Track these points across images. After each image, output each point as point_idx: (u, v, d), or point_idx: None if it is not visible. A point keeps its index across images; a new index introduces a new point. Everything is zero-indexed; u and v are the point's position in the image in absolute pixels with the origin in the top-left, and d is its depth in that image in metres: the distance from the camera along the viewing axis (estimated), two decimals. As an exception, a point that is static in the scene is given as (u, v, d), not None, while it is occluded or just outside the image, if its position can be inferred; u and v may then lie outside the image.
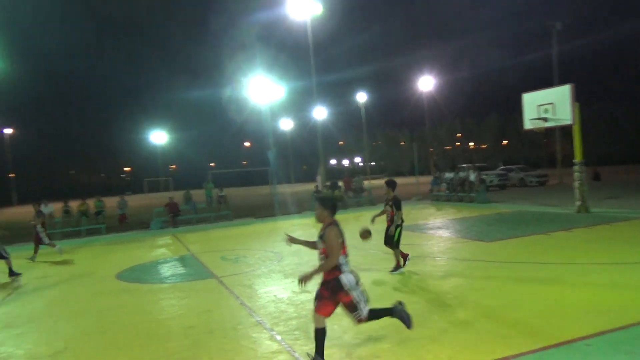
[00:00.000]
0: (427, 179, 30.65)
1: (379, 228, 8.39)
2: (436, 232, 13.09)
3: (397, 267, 8.39)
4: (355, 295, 4.32)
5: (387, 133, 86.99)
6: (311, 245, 4.73)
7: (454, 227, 13.93)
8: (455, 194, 22.20)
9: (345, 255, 4.48)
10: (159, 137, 79.73)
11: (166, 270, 10.55)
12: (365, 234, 7.27)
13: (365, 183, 27.30)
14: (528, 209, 16.87)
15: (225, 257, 11.45)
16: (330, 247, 4.37)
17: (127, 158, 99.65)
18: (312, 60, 27.68)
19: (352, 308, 4.34)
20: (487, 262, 8.73)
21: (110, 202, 22.89)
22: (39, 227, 12.98)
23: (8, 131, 60.14)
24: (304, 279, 4.32)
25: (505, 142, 72.43)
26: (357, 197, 24.21)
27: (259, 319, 6.30)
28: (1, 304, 8.23)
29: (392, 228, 8.23)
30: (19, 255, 13.81)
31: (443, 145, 77.05)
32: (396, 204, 8.23)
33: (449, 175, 24.08)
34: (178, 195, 23.49)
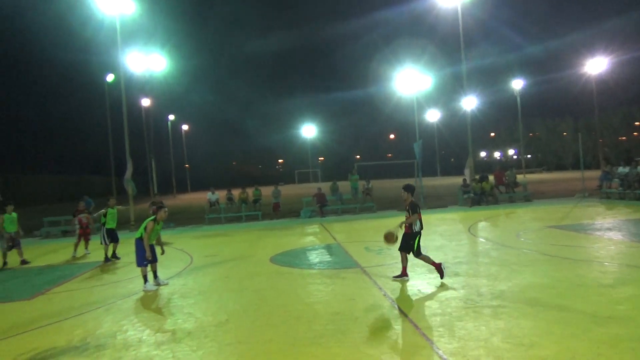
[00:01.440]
0: (594, 174, 27.19)
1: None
2: (604, 233, 11.56)
3: (403, 274, 8.02)
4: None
5: (546, 123, 79.24)
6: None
7: (628, 229, 12.14)
8: (632, 191, 19.32)
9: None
10: (309, 130, 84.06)
11: (314, 256, 11.11)
12: (390, 237, 6.71)
13: (520, 177, 25.24)
14: None
15: (369, 248, 11.63)
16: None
17: (281, 151, 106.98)
18: (462, 47, 26.43)
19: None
20: (671, 272, 7.44)
21: (266, 191, 24.85)
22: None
23: (184, 127, 69.10)
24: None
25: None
26: (510, 193, 22.55)
27: (402, 311, 6.28)
28: (178, 276, 9.53)
29: (412, 236, 7.83)
30: (186, 235, 15.81)
31: (617, 135, 67.50)
32: (412, 208, 7.82)
33: (622, 169, 21.02)
34: (325, 186, 24.47)
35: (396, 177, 63.51)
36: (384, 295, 7.16)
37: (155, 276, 8.75)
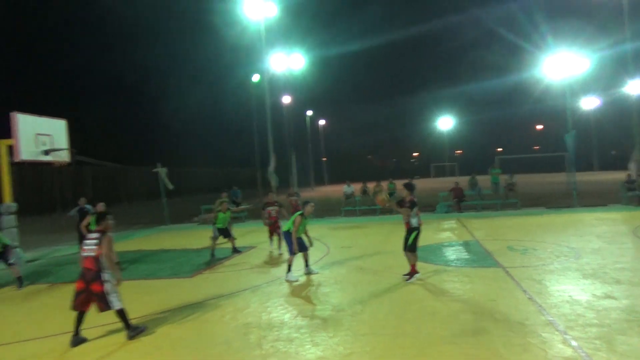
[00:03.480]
0: None
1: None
2: None
3: (412, 274, 8.05)
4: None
5: None
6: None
7: None
8: None
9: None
10: (445, 122, 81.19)
11: (451, 253, 10.74)
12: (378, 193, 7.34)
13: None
14: None
15: (512, 247, 10.87)
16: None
17: (416, 144, 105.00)
18: (626, 21, 23.07)
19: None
20: None
21: (400, 185, 24.63)
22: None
23: (322, 122, 71.76)
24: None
25: None
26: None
27: (550, 318, 5.77)
28: (315, 265, 9.96)
29: (410, 231, 8.06)
30: (323, 226, 16.36)
31: None
32: (412, 205, 8.02)
33: None
34: (463, 181, 23.45)
35: (543, 171, 58.14)
36: (529, 298, 6.64)
37: (307, 265, 9.24)
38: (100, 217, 6.21)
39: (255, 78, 38.37)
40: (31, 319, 7.14)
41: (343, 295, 7.48)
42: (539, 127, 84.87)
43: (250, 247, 12.79)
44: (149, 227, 19.80)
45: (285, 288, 8.13)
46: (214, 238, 11.69)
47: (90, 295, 5.73)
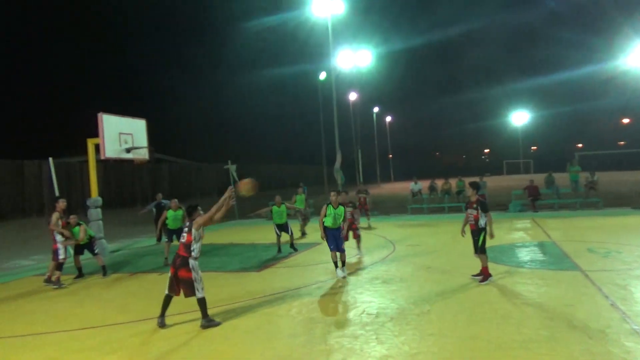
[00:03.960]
0: None
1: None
2: None
3: (486, 276, 7.69)
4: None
5: None
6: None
7: None
8: None
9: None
10: (520, 117, 77.41)
11: (524, 254, 10.24)
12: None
13: None
14: None
15: (593, 249, 10.17)
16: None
17: (487, 140, 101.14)
18: None
19: None
20: None
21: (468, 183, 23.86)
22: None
23: (388, 119, 70.96)
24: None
25: None
26: None
27: (635, 327, 5.34)
28: (381, 263, 9.90)
29: (477, 232, 7.71)
30: (389, 224, 16.17)
31: None
32: (482, 206, 7.73)
33: None
34: (539, 178, 22.26)
35: (630, 168, 53.77)
36: (611, 305, 6.19)
37: (343, 265, 8.79)
38: (191, 209, 6.49)
39: (322, 76, 38.72)
40: (114, 305, 7.68)
41: (409, 293, 7.37)
42: (626, 120, 78.46)
43: (316, 244, 12.93)
44: (219, 222, 20.59)
45: (350, 285, 8.15)
46: (280, 235, 12.01)
47: (177, 281, 6.15)
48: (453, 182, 22.47)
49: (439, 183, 22.97)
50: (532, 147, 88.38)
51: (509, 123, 79.67)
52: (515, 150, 79.76)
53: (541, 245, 11.11)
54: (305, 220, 15.34)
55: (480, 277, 7.85)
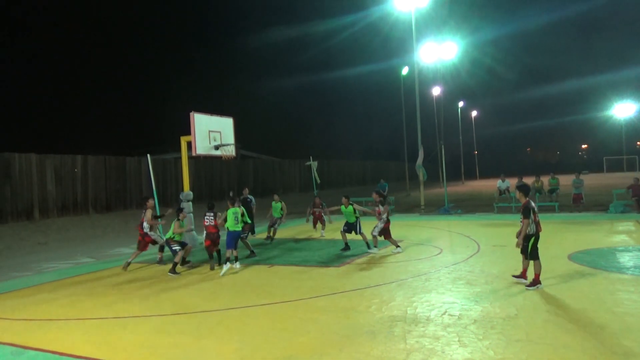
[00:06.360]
0: None
1: None
2: None
3: (535, 282, 7.30)
4: None
5: None
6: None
7: None
8: None
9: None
10: (623, 109, 70.68)
11: (627, 259, 9.37)
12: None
13: None
14: None
15: None
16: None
17: (585, 135, 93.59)
18: None
19: None
20: None
21: (564, 180, 22.25)
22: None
23: (474, 113, 68.10)
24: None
25: None
26: None
27: None
28: (465, 263, 9.54)
29: (522, 238, 7.58)
30: (474, 223, 15.51)
31: None
32: (524, 212, 7.56)
33: None
34: (645, 176, 20.22)
35: None
36: None
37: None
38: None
39: (405, 71, 38.05)
40: (202, 295, 8.16)
41: (495, 296, 7.05)
42: None
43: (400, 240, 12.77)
44: (301, 217, 21.06)
45: (431, 284, 7.97)
46: (347, 234, 11.78)
47: (215, 245, 10.30)
48: (545, 180, 21.10)
49: (529, 181, 21.66)
50: (638, 142, 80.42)
51: (611, 116, 73.04)
52: (617, 146, 73.06)
53: (647, 250, 10.10)
54: (272, 225, 14.12)
55: (526, 282, 7.54)
